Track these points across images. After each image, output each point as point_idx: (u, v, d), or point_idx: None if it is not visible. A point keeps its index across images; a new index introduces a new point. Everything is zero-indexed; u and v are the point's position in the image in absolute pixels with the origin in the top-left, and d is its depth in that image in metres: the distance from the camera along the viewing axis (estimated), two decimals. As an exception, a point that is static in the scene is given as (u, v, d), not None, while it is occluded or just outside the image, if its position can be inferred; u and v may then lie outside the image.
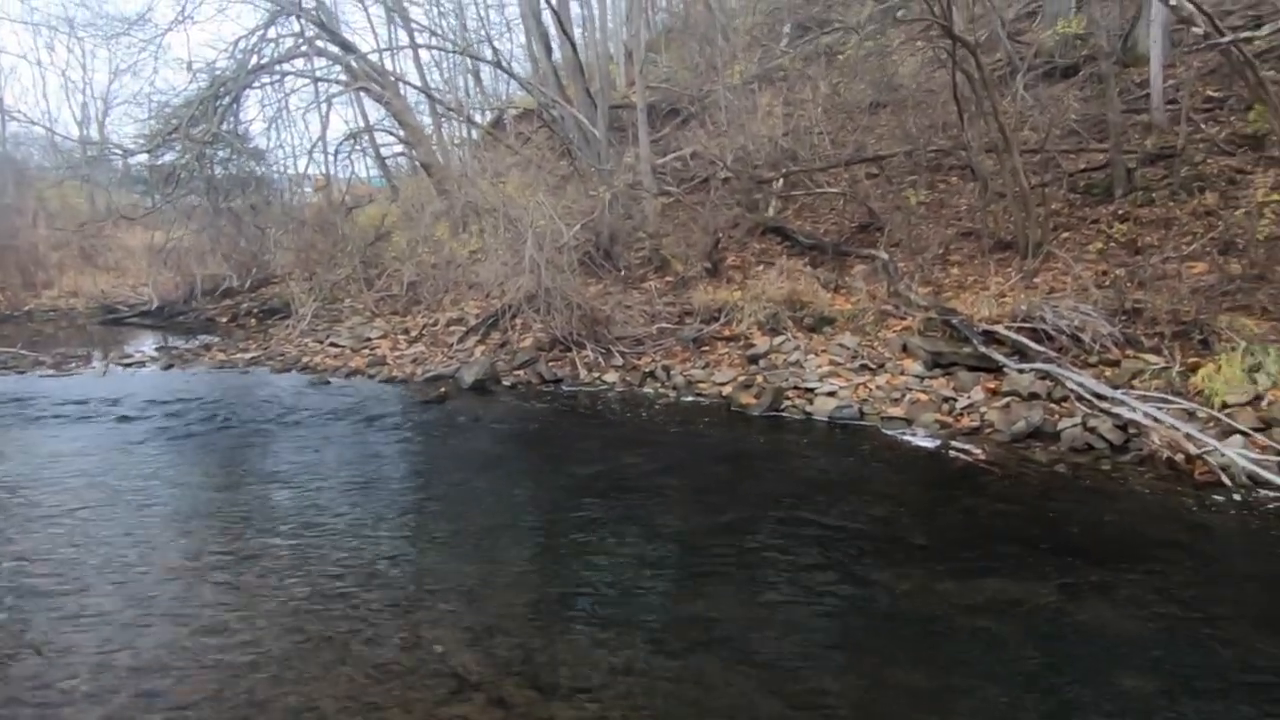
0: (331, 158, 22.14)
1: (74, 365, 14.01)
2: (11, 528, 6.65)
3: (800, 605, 5.26)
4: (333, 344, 14.52)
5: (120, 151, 21.97)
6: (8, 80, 50.17)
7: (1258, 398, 7.84)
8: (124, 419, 10.15)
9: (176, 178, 18.66)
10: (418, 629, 4.95)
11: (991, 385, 9.24)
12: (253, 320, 18.41)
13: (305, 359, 13.85)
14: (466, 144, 21.67)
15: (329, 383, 12.36)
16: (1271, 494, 6.65)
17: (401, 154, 22.39)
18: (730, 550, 6.10)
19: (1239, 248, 10.45)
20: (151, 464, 8.38)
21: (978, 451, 8.02)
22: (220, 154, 19.26)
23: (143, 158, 20.72)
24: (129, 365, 14.09)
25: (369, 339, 14.56)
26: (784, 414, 9.64)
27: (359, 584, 5.56)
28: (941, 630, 4.91)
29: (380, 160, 23.43)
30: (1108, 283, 10.27)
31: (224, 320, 19.02)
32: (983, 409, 8.86)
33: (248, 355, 14.47)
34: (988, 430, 8.53)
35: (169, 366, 13.85)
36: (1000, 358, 9.33)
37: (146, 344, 16.83)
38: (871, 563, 5.85)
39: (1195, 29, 9.74)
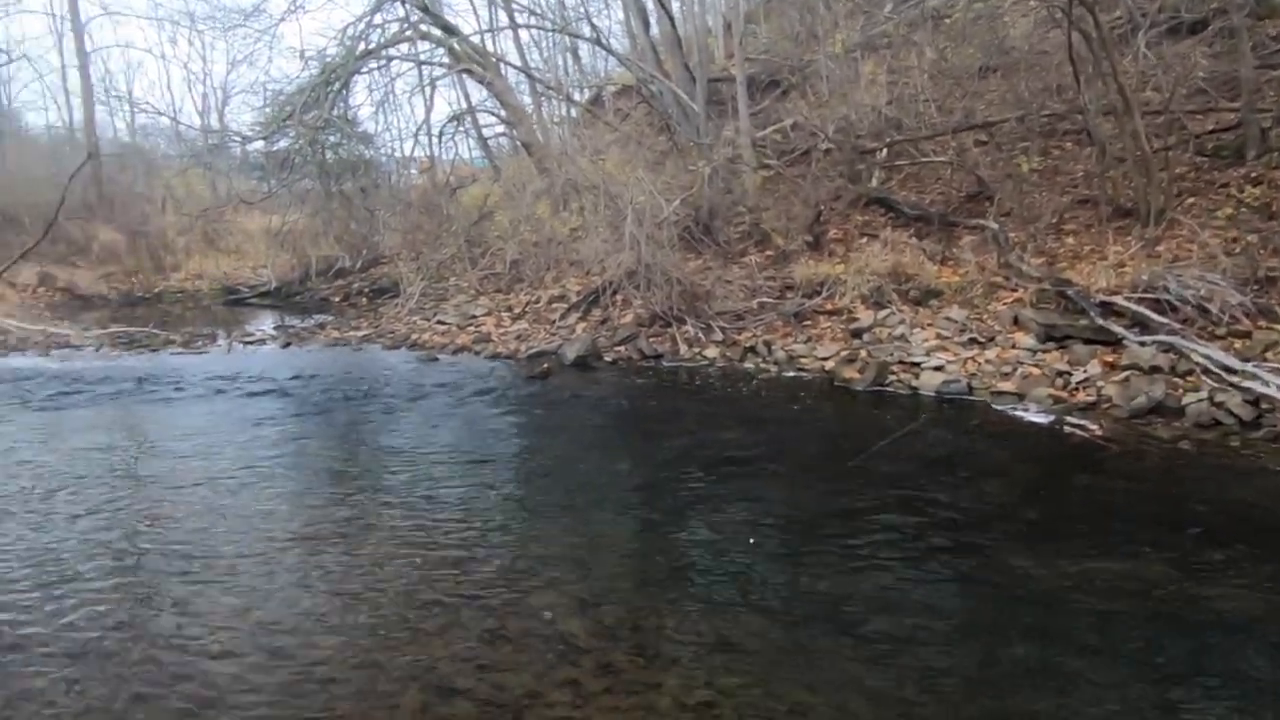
0: (435, 140, 22.63)
1: (201, 343, 14.80)
2: (151, 496, 7.10)
3: (912, 582, 5.19)
4: (440, 322, 14.94)
5: (239, 139, 22.99)
6: (136, 74, 52.90)
7: None
8: (249, 395, 10.69)
9: (291, 163, 19.41)
10: (527, 596, 5.09)
11: (1109, 359, 8.86)
12: (363, 299, 19.07)
13: (414, 336, 14.29)
14: (566, 122, 21.85)
15: (437, 359, 12.73)
16: None
17: (503, 134, 22.75)
18: (839, 526, 6.06)
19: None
20: (276, 437, 8.82)
21: (1095, 427, 7.73)
22: (331, 139, 19.90)
23: (259, 144, 21.64)
24: (250, 343, 14.82)
25: (474, 316, 14.93)
26: (889, 389, 9.48)
27: (471, 553, 5.76)
28: (1061, 611, 4.76)
29: (482, 141, 23.85)
30: (1238, 250, 9.71)
31: (337, 300, 19.77)
32: (1100, 383, 8.53)
33: (360, 333, 15.02)
34: (1105, 405, 8.21)
35: (287, 345, 14.50)
36: (1120, 330, 8.94)
37: (265, 323, 17.65)
38: (987, 541, 5.73)
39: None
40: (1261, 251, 9.53)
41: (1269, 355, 8.10)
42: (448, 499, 6.80)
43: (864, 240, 13.41)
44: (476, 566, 5.54)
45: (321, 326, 16.02)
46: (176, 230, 25.58)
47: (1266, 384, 7.48)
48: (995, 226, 11.76)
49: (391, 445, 8.47)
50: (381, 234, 19.94)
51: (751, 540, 5.80)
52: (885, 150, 15.10)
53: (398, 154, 25.74)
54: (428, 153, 24.20)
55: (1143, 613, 4.70)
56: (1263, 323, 8.54)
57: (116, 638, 4.75)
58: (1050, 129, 13.96)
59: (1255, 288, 8.87)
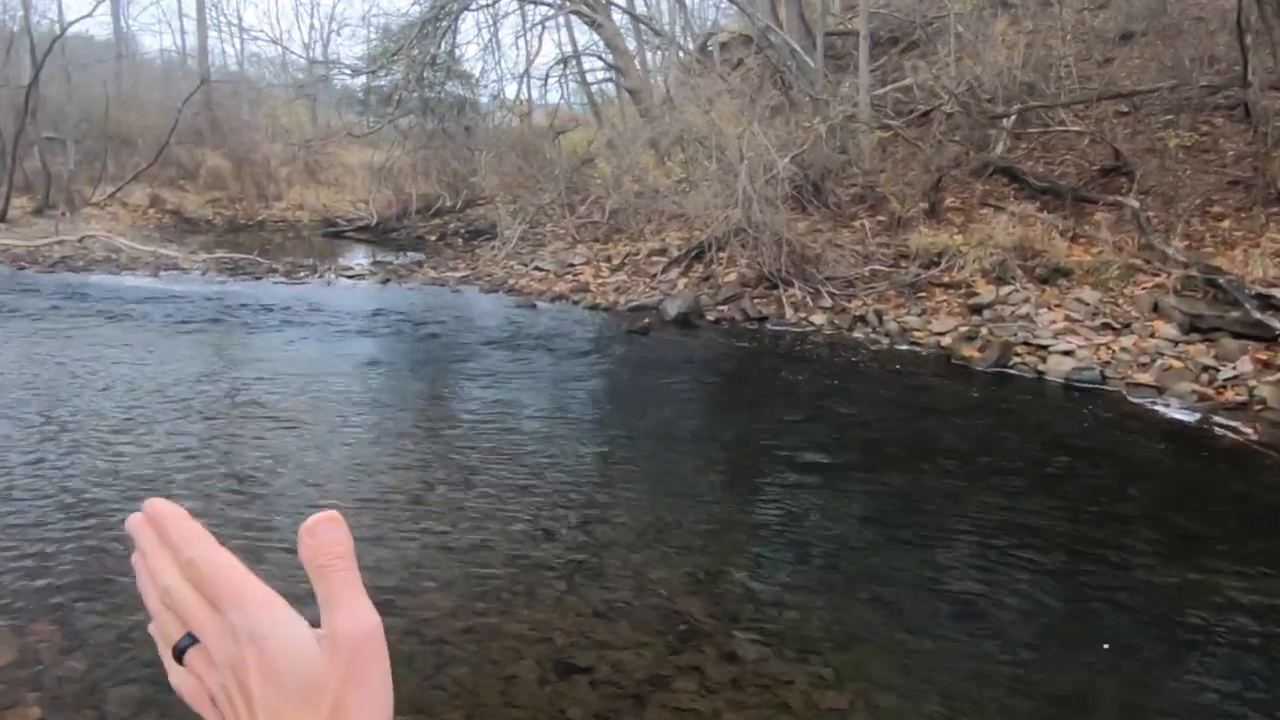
0: (539, 82, 22.32)
1: (302, 274, 14.92)
2: (253, 432, 7.06)
3: (1045, 585, 4.80)
4: (536, 268, 14.75)
5: (346, 71, 23.04)
6: (247, 2, 53.73)
7: None
8: (352, 331, 10.69)
9: (396, 98, 19.35)
10: (642, 569, 4.84)
11: (1263, 356, 8.16)
12: (459, 240, 19.03)
13: (511, 281, 14.15)
14: (673, 70, 21.29)
15: (535, 306, 12.56)
16: None
17: (608, 80, 22.33)
18: (963, 516, 5.66)
19: None
20: (380, 380, 8.77)
21: (1248, 430, 7.11)
22: (437, 77, 19.76)
23: (365, 78, 21.66)
24: (351, 278, 14.89)
25: (571, 265, 14.70)
26: (1011, 371, 8.94)
27: (580, 516, 5.53)
28: (1214, 632, 4.33)
29: (585, 86, 23.47)
30: None
31: (433, 239, 19.78)
32: (1251, 382, 7.85)
33: (457, 275, 14.95)
34: (1258, 407, 7.55)
35: (386, 281, 14.52)
36: (1279, 325, 8.21)
37: (363, 258, 17.75)
38: (1128, 546, 5.27)
39: None
40: None
41: None
42: (553, 456, 6.60)
43: (985, 211, 12.68)
44: (587, 532, 5.32)
45: (419, 265, 16.00)
46: (280, 160, 25.92)
47: None
48: (1136, 204, 10.95)
49: (493, 395, 8.29)
50: (481, 175, 19.78)
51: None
52: (1014, 116, 14.22)
53: (500, 96, 25.54)
54: (528, 96, 23.99)
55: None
56: None
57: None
58: (1200, 103, 12.95)
59: None
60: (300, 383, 8.34)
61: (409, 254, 17.94)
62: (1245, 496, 6.02)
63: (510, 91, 27.13)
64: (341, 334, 10.48)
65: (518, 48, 48.02)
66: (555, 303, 12.88)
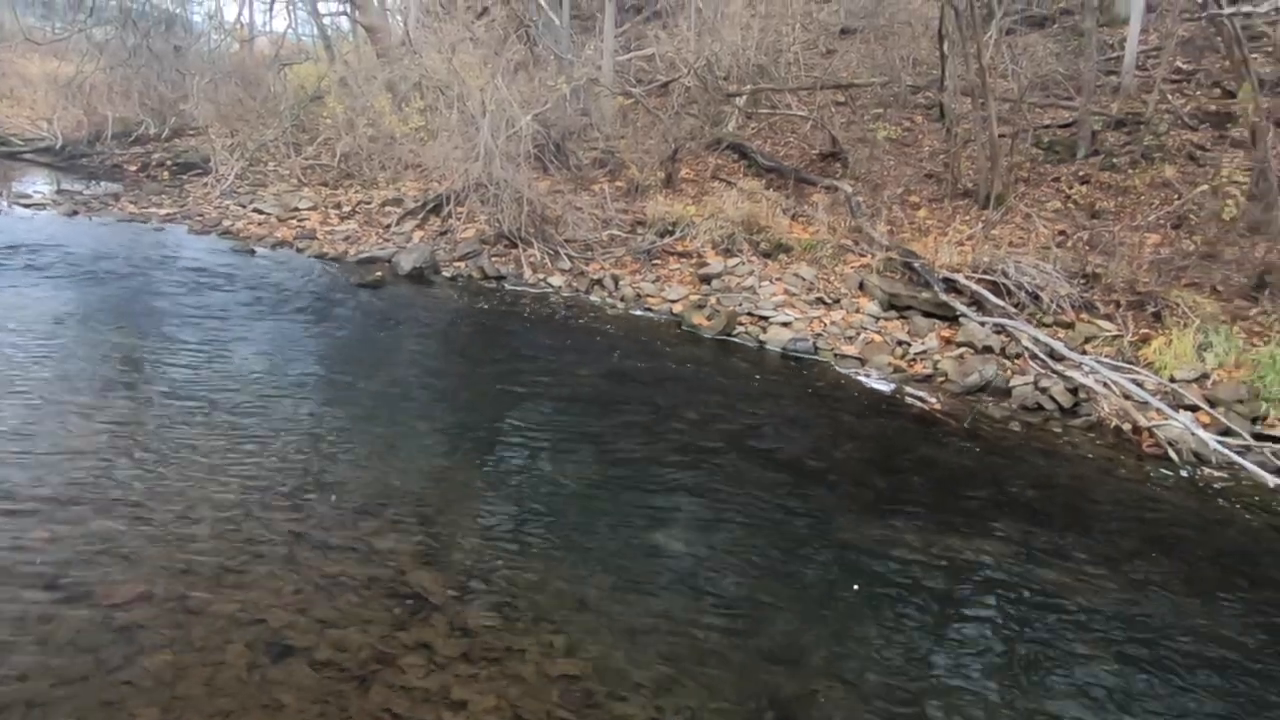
0: (264, 7, 20.43)
1: (-38, 198, 12.75)
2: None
3: (759, 546, 5.12)
4: (257, 210, 13.56)
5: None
6: None
7: (1204, 375, 7.98)
8: (30, 269, 9.27)
9: (90, 4, 16.92)
10: (368, 540, 4.60)
11: (946, 334, 9.19)
12: (165, 173, 17.04)
13: (227, 223, 12.91)
14: (413, 10, 20.27)
15: (254, 252, 11.54)
16: (1215, 473, 6.78)
17: (342, 13, 20.85)
18: (684, 479, 5.91)
19: (1191, 224, 10.58)
20: (67, 328, 7.68)
21: (933, 400, 7.98)
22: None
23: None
24: (29, 206, 12.91)
25: (297, 209, 13.65)
26: (736, 339, 9.43)
27: (300, 484, 5.16)
28: (903, 584, 4.83)
29: (316, 16, 21.75)
30: (1068, 244, 10.29)
31: (133, 169, 17.56)
32: (936, 357, 8.81)
33: (162, 211, 13.41)
34: (940, 380, 8.49)
35: (73, 213, 12.73)
36: (961, 307, 9.26)
37: (44, 184, 15.44)
38: (831, 505, 5.75)
39: (1195, -3, 9.56)
40: (1087, 248, 10.13)
41: (1088, 348, 8.62)
42: (270, 419, 6.10)
43: (717, 185, 13.26)
44: (306, 501, 4.97)
45: (115, 197, 14.17)
46: (-66, 62, 21.91)
47: (1086, 375, 7.95)
48: (849, 189, 11.91)
49: (203, 350, 7.51)
50: (193, 102, 17.79)
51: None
52: (746, 96, 14.93)
53: (215, 17, 23.08)
54: (250, 20, 21.96)
55: (978, 591, 4.84)
56: (1085, 316, 9.08)
57: None
58: (906, 100, 14.27)
59: (1081, 282, 9.41)
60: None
61: (103, 184, 15.83)
62: (929, 460, 6.73)
63: (230, 13, 24.65)
64: (17, 273, 9.06)
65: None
66: (277, 249, 11.92)
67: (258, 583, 4.05)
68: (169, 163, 17.45)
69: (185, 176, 16.28)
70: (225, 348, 7.56)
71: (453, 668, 3.62)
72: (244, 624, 3.73)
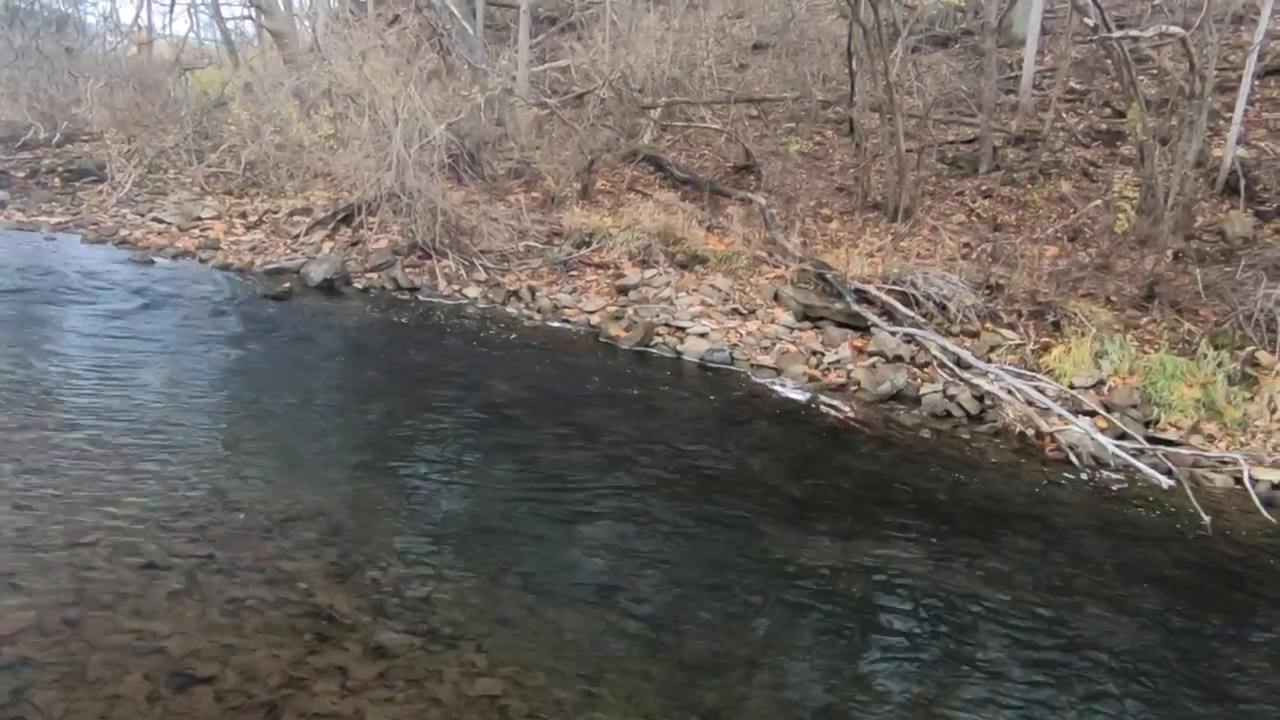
0: (163, 9, 19.72)
1: None
2: None
3: (679, 558, 5.14)
4: (156, 219, 13.04)
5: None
6: None
7: (1101, 382, 8.33)
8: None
9: (-29, 2, 16.06)
10: (275, 562, 4.44)
11: (859, 343, 9.38)
12: (57, 180, 16.22)
13: (124, 232, 12.37)
14: (322, 16, 19.83)
15: (153, 262, 11.08)
16: (1112, 475, 7.07)
17: (247, 17, 20.28)
18: (603, 492, 5.89)
19: (1086, 237, 11.07)
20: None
21: (846, 409, 8.13)
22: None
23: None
24: (-98, 214, 12.17)
25: (199, 218, 13.17)
26: (653, 350, 9.45)
27: (203, 505, 4.95)
28: (819, 590, 4.89)
29: (219, 20, 21.12)
30: (972, 256, 10.63)
31: (21, 175, 16.66)
32: (849, 366, 8.98)
33: (53, 219, 12.79)
34: (854, 388, 8.65)
35: (-47, 221, 12.06)
36: (872, 317, 9.47)
37: (-79, 191, 14.56)
38: (749, 515, 5.79)
39: (1087, 20, 10.02)
40: (989, 260, 10.48)
41: (992, 356, 8.90)
42: (171, 437, 5.84)
43: (633, 196, 13.30)
44: (209, 522, 4.76)
45: (1, 205, 13.44)
46: None
47: (992, 382, 8.21)
48: (763, 202, 12.08)
49: (98, 364, 7.16)
50: (86, 106, 17.02)
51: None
52: (661, 109, 15.04)
53: (112, 18, 22.21)
54: (148, 23, 21.19)
55: (887, 593, 4.95)
56: (989, 325, 9.38)
57: None
58: (816, 115, 14.57)
59: (985, 292, 9.72)
60: None
61: (-14, 190, 15.01)
62: (844, 468, 6.85)
63: (126, 15, 23.70)
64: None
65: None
66: (179, 260, 11.48)
67: (157, 609, 3.86)
68: (60, 169, 16.61)
69: (79, 184, 15.53)
70: (121, 362, 7.22)
71: (368, 691, 3.50)
72: (142, 653, 3.54)
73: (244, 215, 13.44)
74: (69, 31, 18.93)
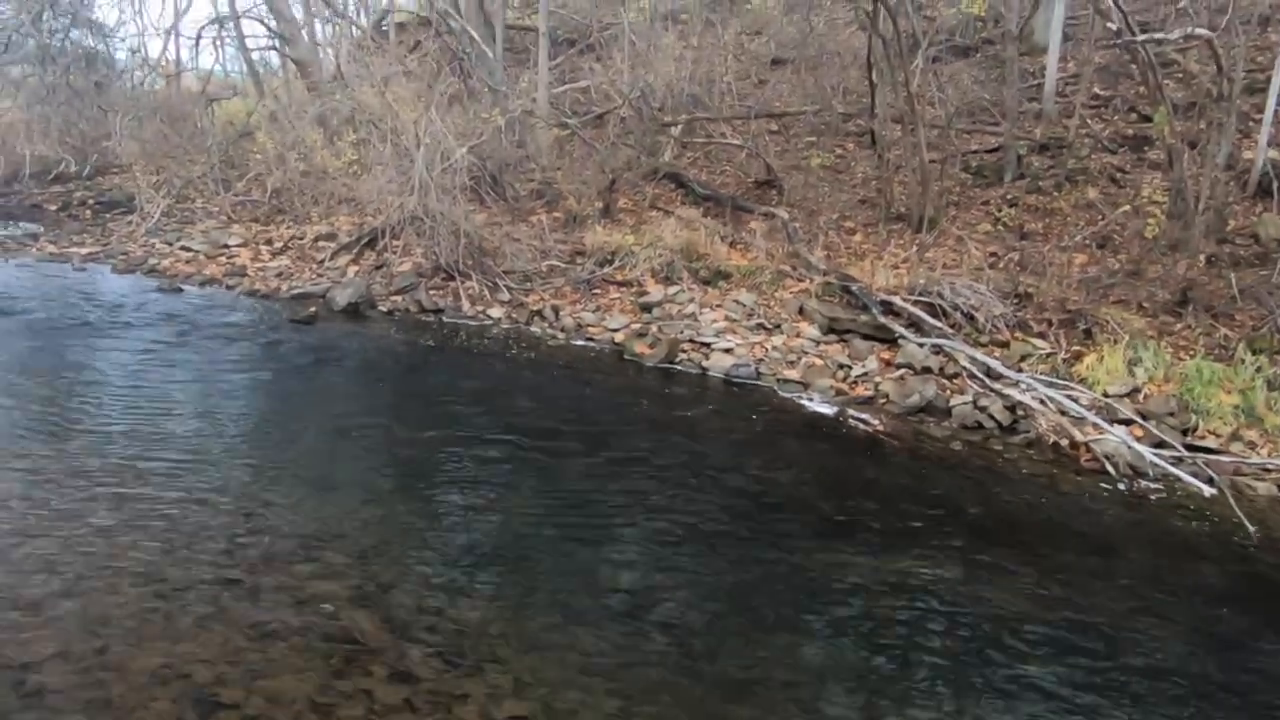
0: (190, 42, 20.06)
1: None
2: None
3: (711, 575, 5.07)
4: (184, 248, 13.19)
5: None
6: None
7: (1136, 390, 8.16)
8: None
9: (4, 42, 16.42)
10: (302, 585, 4.41)
11: (886, 355, 9.27)
12: (88, 212, 16.52)
13: (152, 261, 12.53)
14: (345, 44, 20.08)
15: (181, 290, 11.20)
16: (1151, 484, 6.90)
17: (271, 48, 20.55)
18: (635, 512, 5.82)
19: (1115, 244, 10.89)
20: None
21: (875, 422, 8.01)
22: (60, 22, 17.05)
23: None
24: (-60, 248, 12.41)
25: (226, 246, 13.32)
26: (678, 367, 9.38)
27: (231, 528, 4.95)
28: (853, 605, 4.80)
29: (245, 51, 21.42)
30: (999, 265, 10.49)
31: (53, 208, 17.00)
32: (877, 379, 8.87)
33: (84, 250, 12.99)
34: (882, 400, 8.53)
35: (-12, 254, 12.27)
36: (899, 329, 9.35)
37: (-43, 226, 14.87)
38: (780, 531, 5.70)
39: (1110, 25, 9.91)
40: (1017, 269, 10.34)
41: (1023, 366, 8.76)
42: (200, 461, 5.86)
43: (654, 214, 13.28)
44: (237, 545, 4.76)
45: (34, 238, 13.70)
46: None
47: (1024, 392, 8.06)
48: (785, 216, 12.02)
49: (129, 391, 7.22)
50: (116, 140, 17.33)
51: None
52: (682, 126, 15.05)
53: (140, 54, 22.55)
54: (176, 56, 21.55)
55: (926, 610, 4.82)
56: (1019, 335, 9.24)
57: None
58: (837, 128, 14.51)
59: (1014, 301, 9.59)
60: None
61: (21, 224, 15.29)
62: (875, 482, 6.74)
63: (154, 49, 24.16)
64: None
65: (164, 1, 43.08)
66: (206, 287, 11.59)
67: (184, 635, 3.84)
68: (91, 201, 16.95)
69: (109, 215, 15.83)
70: (149, 388, 7.28)
71: (394, 715, 3.46)
72: (168, 680, 3.51)
73: (270, 242, 13.58)
74: (99, 67, 19.26)
